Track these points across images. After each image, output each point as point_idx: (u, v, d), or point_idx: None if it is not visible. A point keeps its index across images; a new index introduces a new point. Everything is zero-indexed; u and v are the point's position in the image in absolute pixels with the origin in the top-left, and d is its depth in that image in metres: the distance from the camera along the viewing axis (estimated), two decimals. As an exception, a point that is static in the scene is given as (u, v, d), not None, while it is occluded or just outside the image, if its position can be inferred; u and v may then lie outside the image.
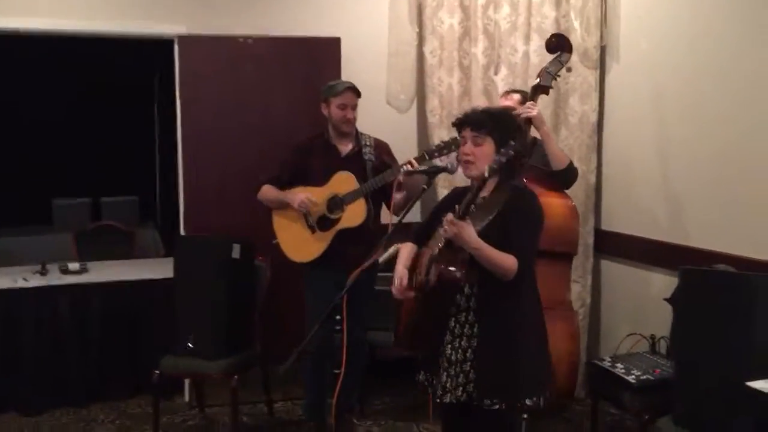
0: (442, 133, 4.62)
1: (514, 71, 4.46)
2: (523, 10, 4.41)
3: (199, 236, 3.98)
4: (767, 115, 3.25)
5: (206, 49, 4.28)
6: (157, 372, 3.78)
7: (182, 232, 4.39)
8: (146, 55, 6.94)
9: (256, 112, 4.37)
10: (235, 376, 3.71)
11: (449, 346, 2.57)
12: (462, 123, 2.59)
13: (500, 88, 4.48)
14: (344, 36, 4.47)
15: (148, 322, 4.44)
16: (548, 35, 4.32)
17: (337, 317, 2.50)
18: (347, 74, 4.34)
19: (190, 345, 3.74)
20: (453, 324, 2.57)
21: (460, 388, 2.53)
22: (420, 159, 3.47)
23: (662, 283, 3.84)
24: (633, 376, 3.22)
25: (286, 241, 3.75)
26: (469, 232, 2.37)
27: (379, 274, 3.99)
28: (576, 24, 4.33)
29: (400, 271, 2.66)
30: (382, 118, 4.52)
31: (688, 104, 3.73)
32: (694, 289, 2.88)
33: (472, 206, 2.41)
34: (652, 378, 3.20)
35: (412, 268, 2.70)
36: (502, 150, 2.38)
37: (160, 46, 4.56)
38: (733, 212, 3.41)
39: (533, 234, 2.53)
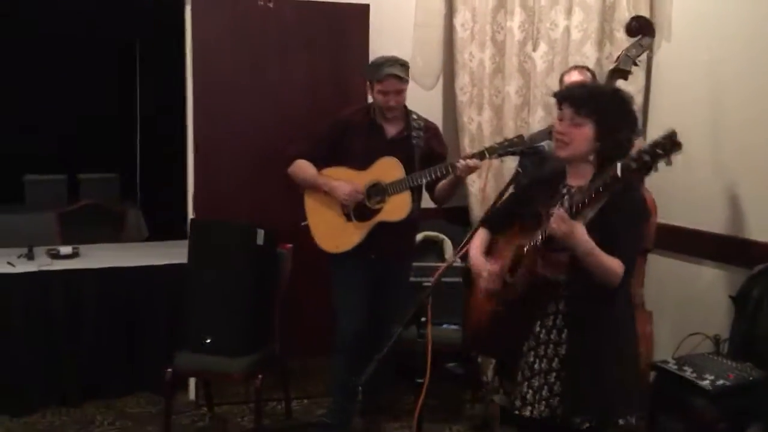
0: (472, 113, 4.30)
1: (554, 48, 4.15)
2: (566, -18, 4.09)
3: (218, 220, 3.56)
4: None
5: (222, 11, 3.86)
6: (170, 370, 3.39)
7: (190, 215, 3.97)
8: (126, 18, 6.47)
9: (275, 84, 3.97)
10: (260, 376, 3.35)
11: (532, 353, 2.26)
12: (563, 98, 2.25)
13: (539, 65, 4.17)
14: (373, 3, 4.08)
15: (149, 313, 4.04)
16: (592, 10, 4.09)
17: (422, 319, 2.14)
18: (376, 45, 3.99)
19: (208, 340, 3.35)
20: (538, 329, 2.26)
21: (543, 403, 2.22)
22: (480, 156, 3.13)
23: (716, 278, 3.60)
24: (707, 381, 2.95)
25: (317, 226, 3.39)
26: (582, 233, 2.05)
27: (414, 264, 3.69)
28: (623, -2, 4.03)
29: (483, 263, 2.32)
30: (407, 94, 4.16)
31: (747, 87, 3.48)
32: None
33: (575, 200, 2.08)
34: (728, 383, 2.94)
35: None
36: (635, 155, 1.98)
37: (141, 7, 4.06)
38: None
39: (639, 236, 2.24)
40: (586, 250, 2.06)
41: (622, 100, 2.26)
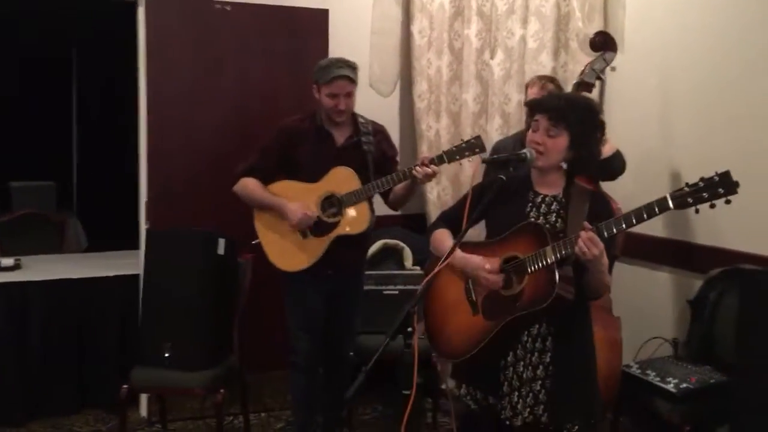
0: (430, 120, 4.30)
1: (511, 56, 4.19)
2: (522, -9, 4.14)
3: (176, 229, 3.42)
4: None
5: (177, 14, 3.73)
6: (126, 386, 3.24)
7: (143, 224, 3.81)
8: (63, 21, 6.22)
9: (233, 89, 3.86)
10: (222, 390, 3.23)
11: (521, 362, 2.25)
12: (538, 108, 2.26)
13: (496, 73, 4.21)
14: (332, 8, 4.03)
15: (98, 327, 3.87)
16: (547, 20, 4.15)
17: (409, 329, 2.09)
18: (335, 50, 3.92)
19: (167, 354, 3.22)
20: (525, 338, 2.25)
21: (528, 410, 2.23)
22: (438, 160, 3.04)
23: (672, 283, 3.69)
24: (672, 385, 3.01)
25: (270, 244, 3.18)
26: (604, 253, 2.06)
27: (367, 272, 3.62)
28: (576, 9, 4.11)
29: (480, 258, 2.25)
30: (364, 100, 4.10)
31: (697, 98, 3.60)
32: (757, 291, 2.68)
33: (610, 225, 2.07)
34: (692, 386, 3.00)
35: None
36: (690, 190, 1.96)
37: (78, 15, 3.90)
38: (748, 211, 3.26)
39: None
40: (602, 270, 2.08)
41: (595, 111, 2.30)
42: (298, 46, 3.86)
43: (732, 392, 2.70)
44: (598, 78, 3.43)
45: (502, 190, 2.23)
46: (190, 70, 3.79)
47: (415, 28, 4.22)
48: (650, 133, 3.81)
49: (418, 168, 3.01)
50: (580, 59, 4.10)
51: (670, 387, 3.01)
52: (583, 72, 3.43)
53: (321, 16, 3.92)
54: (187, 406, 3.91)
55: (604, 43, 3.46)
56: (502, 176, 2.20)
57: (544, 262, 2.11)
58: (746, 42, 3.33)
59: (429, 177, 3.03)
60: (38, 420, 3.77)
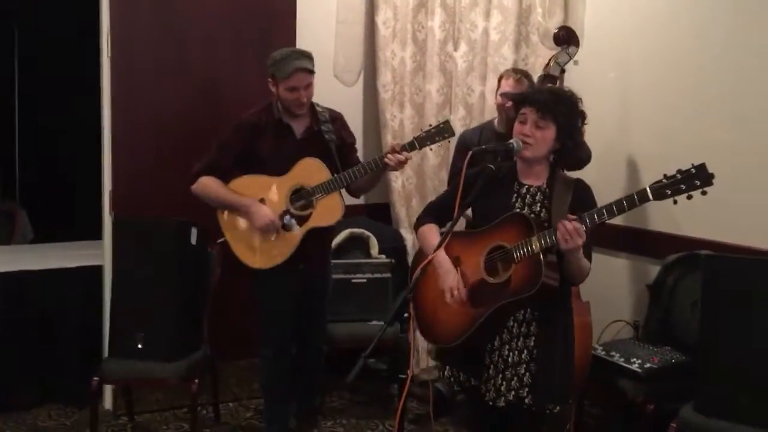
0: (394, 110, 4.34)
1: (474, 48, 4.27)
2: (484, -15, 4.22)
3: (146, 218, 3.38)
4: (740, 101, 3.32)
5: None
6: (97, 378, 3.20)
7: (107, 214, 3.73)
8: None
9: (201, 77, 3.81)
10: (196, 380, 3.22)
11: (506, 346, 2.33)
12: (525, 101, 2.34)
13: (459, 64, 4.28)
14: (298, -2, 4.03)
15: (60, 319, 3.78)
16: (509, 13, 4.25)
17: (405, 315, 2.15)
18: (302, 38, 3.94)
19: (140, 345, 3.19)
20: (511, 323, 2.33)
21: (513, 392, 2.32)
22: (410, 147, 3.09)
23: (630, 269, 3.85)
24: (636, 365, 3.15)
25: (238, 242, 3.12)
26: None
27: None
28: (537, 3, 4.22)
29: (452, 275, 2.33)
30: (328, 90, 4.12)
31: (656, 90, 3.75)
32: (718, 275, 2.83)
33: (593, 216, 2.16)
34: (655, 366, 3.15)
35: None
36: (668, 181, 2.05)
37: None
38: (702, 199, 3.42)
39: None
40: (580, 256, 2.17)
41: (577, 103, 2.39)
42: (265, 33, 3.84)
43: (696, 370, 2.83)
44: (562, 70, 3.56)
45: (489, 181, 2.31)
46: (156, 55, 3.73)
47: (379, 19, 4.25)
48: (610, 124, 3.95)
49: (390, 156, 3.03)
50: (540, 53, 4.21)
51: (635, 367, 3.14)
52: (548, 65, 3.55)
53: (289, 4, 3.91)
54: (152, 398, 3.87)
55: (567, 38, 3.58)
56: (491, 166, 2.28)
57: (529, 251, 2.19)
58: (706, 37, 3.49)
59: (402, 164, 3.05)
60: (0, 415, 3.67)
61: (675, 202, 2.08)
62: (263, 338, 3.29)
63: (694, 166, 2.06)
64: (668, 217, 3.61)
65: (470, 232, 2.43)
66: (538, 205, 2.33)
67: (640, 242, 3.76)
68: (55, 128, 6.68)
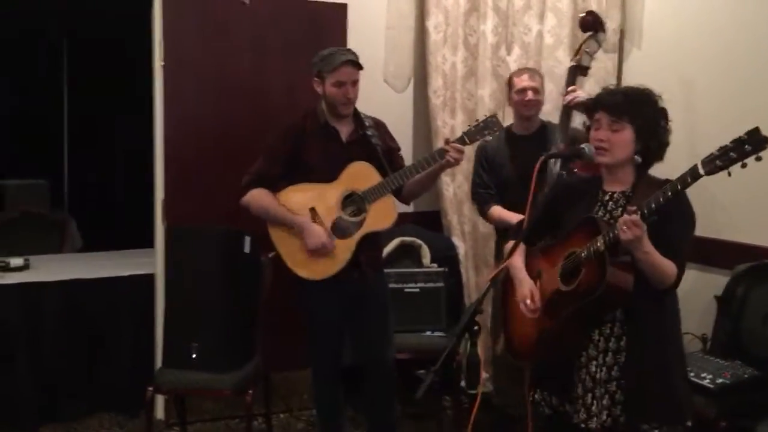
0: (445, 116, 4.26)
1: (527, 52, 4.17)
2: (539, -13, 4.12)
3: (199, 227, 3.34)
4: None
5: (193, 9, 3.66)
6: (151, 388, 3.16)
7: (159, 223, 3.72)
8: (51, 11, 6.05)
9: (251, 83, 3.80)
10: (250, 391, 3.17)
11: (594, 362, 2.20)
12: (597, 106, 2.24)
13: (512, 69, 4.17)
14: (350, 3, 3.98)
15: (112, 327, 3.78)
16: (564, 15, 4.13)
17: (475, 328, 2.05)
18: (352, 44, 3.86)
19: (194, 355, 3.15)
20: (597, 337, 2.21)
21: (605, 412, 2.18)
22: (460, 142, 2.99)
23: (698, 279, 3.70)
24: (708, 380, 3.01)
25: (291, 255, 3.02)
26: (646, 235, 2.02)
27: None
28: (594, 5, 4.10)
29: (528, 284, 2.26)
30: (378, 96, 4.08)
31: (717, 94, 3.60)
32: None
33: (648, 202, 2.04)
34: (728, 381, 3.00)
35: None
36: (718, 152, 1.95)
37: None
38: (763, 203, 3.29)
39: (690, 238, 2.23)
40: (646, 251, 2.03)
41: (653, 99, 2.26)
42: (317, 41, 3.76)
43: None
44: (592, 59, 3.42)
45: (572, 192, 2.22)
46: (207, 64, 3.73)
47: (430, 24, 4.18)
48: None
49: (449, 146, 2.90)
50: (598, 56, 4.08)
51: (706, 382, 2.99)
52: (578, 55, 3.40)
53: (340, 11, 3.87)
54: (203, 407, 3.84)
55: (594, 23, 3.41)
56: (563, 172, 2.18)
57: (595, 250, 2.09)
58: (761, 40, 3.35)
59: (461, 154, 2.92)
60: (49, 424, 3.67)
61: (729, 174, 1.93)
62: (313, 355, 3.20)
63: (746, 133, 1.92)
64: (737, 225, 3.46)
65: (551, 244, 2.34)
66: (620, 210, 2.21)
67: (708, 252, 3.59)
68: (103, 138, 6.78)
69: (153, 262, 3.72)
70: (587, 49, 3.41)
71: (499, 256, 3.64)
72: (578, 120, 3.60)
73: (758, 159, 1.87)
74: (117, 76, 6.23)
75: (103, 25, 6.13)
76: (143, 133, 3.98)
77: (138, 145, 4.64)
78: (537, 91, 3.49)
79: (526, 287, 2.25)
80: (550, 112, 3.72)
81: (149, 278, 3.74)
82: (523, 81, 3.47)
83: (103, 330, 3.76)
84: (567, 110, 3.37)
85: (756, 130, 1.87)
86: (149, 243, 3.83)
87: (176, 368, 3.17)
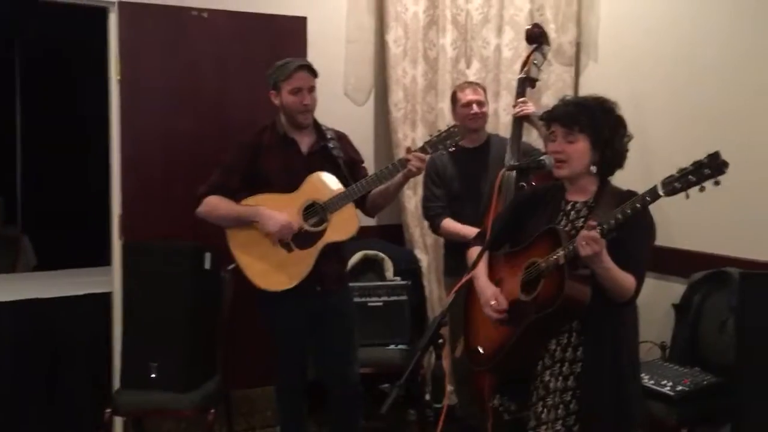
0: (406, 129, 4.27)
1: (486, 65, 4.21)
2: (496, 1, 4.17)
3: (158, 243, 3.28)
4: (752, 116, 3.25)
5: (151, 21, 3.60)
6: (109, 410, 3.08)
7: (116, 239, 3.64)
8: (2, 28, 5.91)
9: (212, 97, 3.75)
10: (212, 410, 3.11)
11: (548, 372, 2.22)
12: (551, 118, 2.26)
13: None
14: (310, 16, 3.97)
15: (69, 348, 3.66)
16: (521, 29, 4.15)
17: (440, 341, 2.05)
18: (312, 58, 3.80)
19: (153, 375, 3.08)
20: (554, 347, 2.23)
21: (560, 422, 2.19)
22: (422, 151, 2.95)
23: (656, 288, 3.75)
24: (668, 388, 3.05)
25: (251, 266, 2.96)
26: (605, 251, 2.04)
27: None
28: (550, 19, 4.16)
29: (491, 289, 2.27)
30: (339, 109, 4.08)
31: (668, 105, 3.68)
32: (755, 293, 2.74)
33: (608, 219, 2.06)
34: (687, 388, 3.04)
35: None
36: (678, 175, 1.97)
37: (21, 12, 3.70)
38: (721, 213, 3.35)
39: (649, 250, 2.25)
40: (606, 266, 2.05)
41: (608, 108, 2.28)
42: (277, 55, 3.69)
43: (729, 391, 2.74)
44: (540, 71, 3.51)
45: (536, 201, 2.23)
46: (167, 77, 3.67)
47: (389, 38, 4.20)
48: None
49: (410, 155, 2.89)
50: (554, 69, 4.15)
51: (667, 390, 3.03)
52: (526, 67, 3.47)
53: (300, 24, 3.86)
54: (163, 428, 3.74)
55: (539, 35, 3.50)
56: (523, 183, 2.20)
57: (555, 263, 2.10)
58: (725, 46, 3.41)
59: (423, 162, 2.90)
60: (7, 450, 3.55)
61: (687, 196, 1.96)
62: (278, 369, 3.15)
63: (706, 156, 1.94)
64: (692, 234, 3.52)
65: (511, 252, 2.36)
66: (581, 220, 2.23)
67: (664, 260, 3.65)
68: (58, 153, 6.62)
69: (110, 280, 3.63)
70: (534, 61, 3.50)
71: (449, 271, 3.66)
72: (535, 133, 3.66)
73: (716, 183, 1.91)
74: (71, 91, 6.11)
75: (57, 41, 6.02)
76: (100, 148, 3.90)
77: (95, 161, 4.55)
78: (481, 104, 3.54)
79: (490, 291, 2.27)
80: (509, 124, 3.76)
81: (106, 297, 3.66)
82: (467, 95, 3.50)
83: (60, 351, 3.65)
84: (518, 121, 3.44)
85: (716, 155, 1.91)
86: (106, 261, 3.75)
87: (135, 388, 3.11)
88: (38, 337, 3.59)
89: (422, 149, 2.94)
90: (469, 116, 3.47)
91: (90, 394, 3.60)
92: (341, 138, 3.18)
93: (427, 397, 4.06)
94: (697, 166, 1.92)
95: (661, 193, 1.96)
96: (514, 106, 3.48)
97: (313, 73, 3.00)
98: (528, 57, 3.54)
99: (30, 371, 3.56)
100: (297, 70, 2.93)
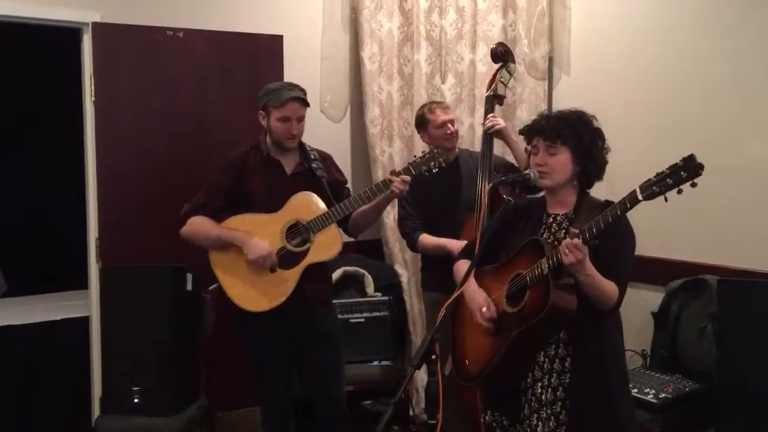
0: (383, 145, 4.29)
1: (461, 80, 4.25)
2: (469, 17, 4.22)
3: (138, 265, 3.24)
4: (724, 128, 3.32)
5: (127, 41, 3.57)
6: (91, 437, 3.03)
7: (93, 263, 3.59)
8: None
9: (189, 116, 3.73)
10: (196, 434, 3.08)
11: (539, 384, 2.23)
12: (532, 132, 2.29)
13: (447, 97, 4.25)
14: (285, 34, 3.98)
15: (47, 374, 3.60)
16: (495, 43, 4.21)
17: (433, 357, 2.04)
18: (289, 76, 3.85)
19: (136, 400, 3.03)
20: (542, 359, 2.24)
21: None
22: (405, 172, 2.99)
23: (630, 296, 3.79)
24: (651, 395, 3.08)
25: (233, 286, 2.94)
26: (588, 258, 2.06)
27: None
28: (523, 34, 4.22)
29: (482, 296, 2.29)
30: (315, 126, 4.05)
31: (636, 118, 3.74)
32: (733, 300, 2.79)
33: (589, 227, 2.08)
34: (670, 396, 3.08)
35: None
36: (656, 178, 1.97)
37: None
38: (696, 221, 3.42)
39: (631, 258, 2.28)
40: (588, 273, 2.07)
41: (587, 121, 2.31)
42: (254, 72, 3.77)
43: (711, 397, 2.78)
44: (507, 88, 3.58)
45: (519, 214, 2.25)
46: (142, 98, 3.64)
47: (365, 54, 4.23)
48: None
49: (393, 177, 2.91)
50: (527, 83, 4.20)
51: (650, 398, 3.06)
52: (493, 84, 3.52)
53: (276, 42, 3.86)
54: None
55: (504, 54, 3.56)
56: (509, 198, 2.22)
57: (539, 273, 2.13)
58: (691, 67, 3.50)
59: (406, 184, 2.92)
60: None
61: (666, 199, 1.97)
62: (261, 392, 3.12)
63: (682, 159, 1.96)
64: (669, 242, 3.58)
65: (496, 267, 2.37)
66: (563, 232, 2.25)
67: (642, 269, 3.70)
68: (31, 175, 6.50)
69: (88, 304, 3.58)
70: (501, 79, 3.54)
71: (426, 286, 3.65)
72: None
73: (693, 185, 1.93)
74: (48, 105, 6.01)
75: (30, 61, 5.93)
76: (76, 170, 3.84)
77: (70, 183, 4.48)
78: (453, 122, 3.57)
79: (481, 298, 2.27)
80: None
81: (84, 321, 3.60)
82: (439, 116, 3.48)
83: (36, 378, 3.59)
84: (488, 137, 3.48)
85: (692, 157, 1.94)
86: (83, 284, 3.70)
87: (117, 414, 3.05)
88: (13, 365, 3.53)
89: (406, 170, 2.97)
90: (445, 136, 3.48)
91: (69, 423, 3.53)
92: (325, 159, 3.18)
93: (411, 413, 4.06)
94: (674, 169, 1.94)
95: (640, 197, 1.99)
96: (483, 123, 3.52)
97: (305, 104, 3.01)
98: (494, 75, 3.58)
99: (5, 401, 3.50)
100: (290, 101, 2.94)
